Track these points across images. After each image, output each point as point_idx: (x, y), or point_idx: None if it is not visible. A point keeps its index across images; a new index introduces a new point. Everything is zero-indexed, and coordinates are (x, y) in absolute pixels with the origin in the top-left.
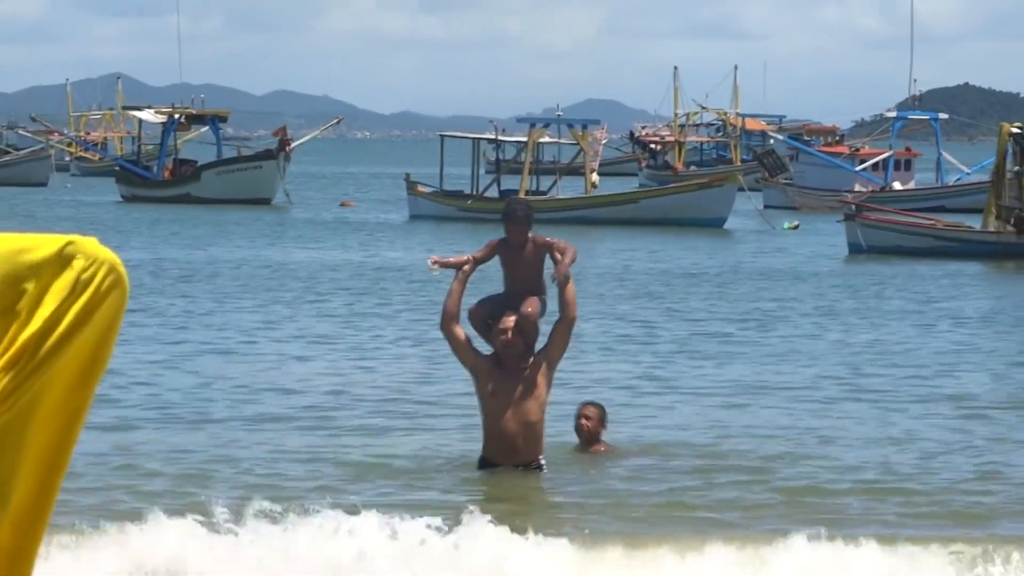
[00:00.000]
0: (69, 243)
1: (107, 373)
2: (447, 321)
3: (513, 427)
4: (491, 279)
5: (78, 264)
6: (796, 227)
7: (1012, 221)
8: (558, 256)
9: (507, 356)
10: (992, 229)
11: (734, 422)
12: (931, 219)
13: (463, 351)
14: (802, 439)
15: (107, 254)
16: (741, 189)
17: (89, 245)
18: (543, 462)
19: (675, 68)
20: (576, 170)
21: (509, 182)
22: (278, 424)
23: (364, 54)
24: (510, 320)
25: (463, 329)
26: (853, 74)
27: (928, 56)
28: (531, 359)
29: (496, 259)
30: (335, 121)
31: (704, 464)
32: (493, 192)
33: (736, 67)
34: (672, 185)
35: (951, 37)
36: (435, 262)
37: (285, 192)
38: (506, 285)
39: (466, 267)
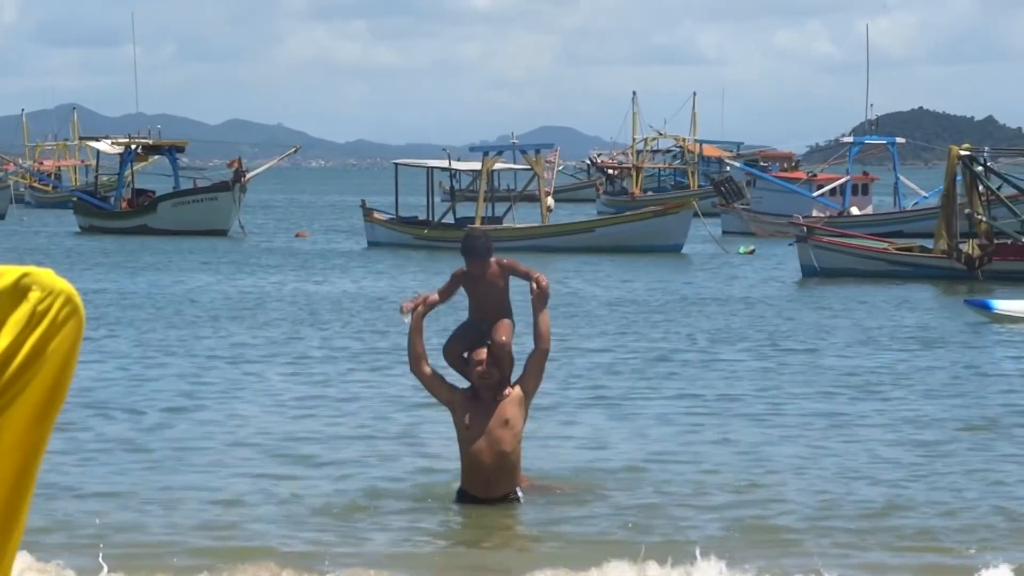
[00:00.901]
0: (25, 275)
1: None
2: (415, 362)
3: (489, 458)
4: (456, 305)
5: (34, 296)
6: (752, 252)
7: (962, 260)
8: (533, 275)
9: (483, 388)
10: (943, 248)
11: (685, 449)
12: (884, 242)
13: (436, 388)
14: (769, 465)
15: (63, 285)
16: (696, 215)
17: (45, 276)
18: (520, 493)
19: (633, 93)
20: (532, 196)
21: (464, 210)
22: (240, 459)
23: (318, 83)
24: (483, 352)
25: (431, 367)
26: (808, 99)
27: (883, 81)
28: (506, 390)
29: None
30: (292, 150)
31: (656, 497)
32: (449, 220)
33: (695, 93)
34: (628, 213)
35: (905, 62)
36: (406, 310)
37: (240, 223)
38: (473, 310)
39: (419, 309)
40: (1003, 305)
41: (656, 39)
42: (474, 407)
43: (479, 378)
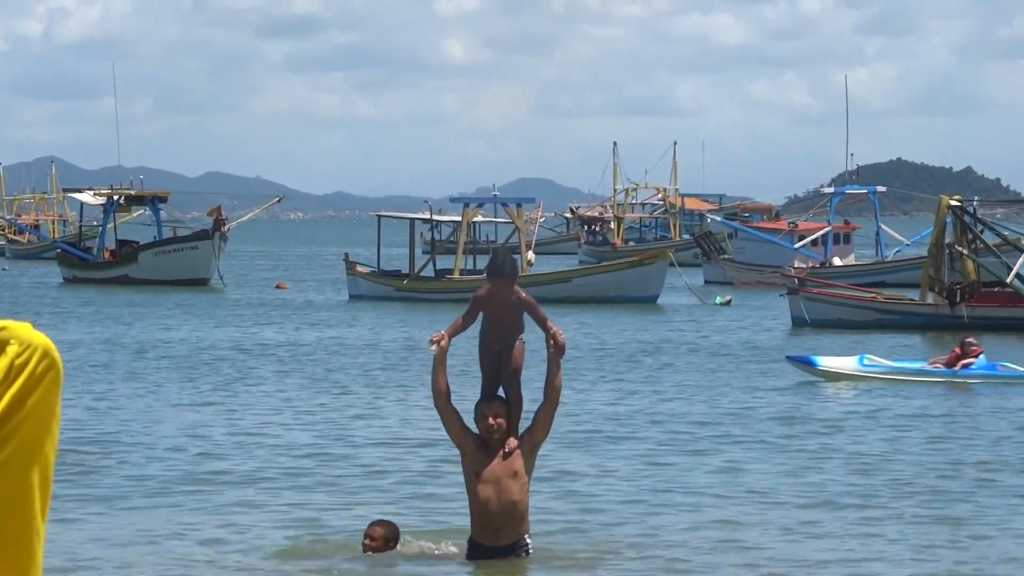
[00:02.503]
0: (1, 328)
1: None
2: (437, 397)
3: (497, 507)
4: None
5: (11, 349)
6: (728, 302)
7: (945, 294)
8: (552, 330)
9: (491, 440)
10: (930, 301)
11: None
12: (872, 292)
13: (453, 427)
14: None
15: (40, 338)
16: (672, 265)
17: (22, 330)
18: (528, 541)
19: (614, 144)
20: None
21: (445, 261)
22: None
23: (295, 134)
24: (492, 407)
25: (452, 405)
26: (786, 150)
27: (861, 132)
28: (514, 442)
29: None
30: (275, 200)
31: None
32: (429, 272)
33: (675, 143)
34: (604, 263)
35: (883, 113)
36: (433, 341)
37: (219, 274)
38: (488, 330)
39: (443, 343)
40: (827, 362)
41: (633, 91)
42: (484, 456)
43: (488, 431)
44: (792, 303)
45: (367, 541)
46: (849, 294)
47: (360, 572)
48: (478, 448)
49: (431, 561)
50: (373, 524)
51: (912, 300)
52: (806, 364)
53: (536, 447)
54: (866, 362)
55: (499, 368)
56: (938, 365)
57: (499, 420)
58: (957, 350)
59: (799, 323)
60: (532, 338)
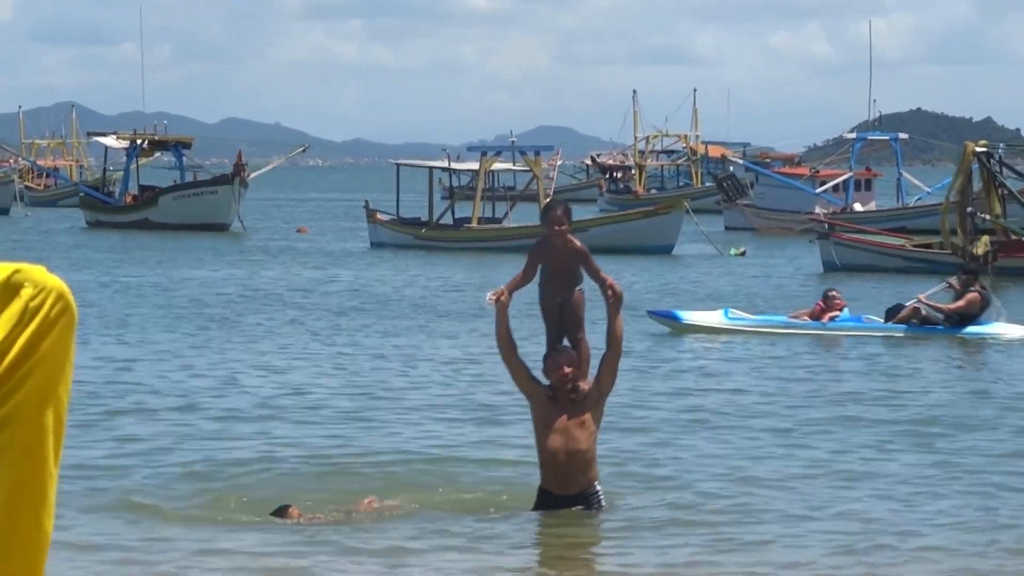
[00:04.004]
0: (16, 271)
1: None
2: (503, 349)
3: (564, 456)
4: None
5: (26, 292)
6: (743, 253)
7: (967, 259)
8: (608, 281)
9: (561, 390)
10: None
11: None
12: (902, 238)
13: (521, 377)
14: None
15: (55, 282)
16: (688, 214)
17: (36, 273)
18: (599, 489)
19: (634, 92)
20: (531, 197)
21: (464, 209)
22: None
23: (315, 82)
24: (563, 357)
25: (519, 357)
26: (806, 100)
27: (880, 82)
28: (582, 390)
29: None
30: (300, 149)
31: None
32: (447, 220)
33: (695, 90)
34: (620, 213)
35: (903, 63)
36: (491, 299)
37: (240, 219)
38: (546, 281)
39: (503, 298)
40: (690, 317)
41: (653, 40)
42: (552, 406)
43: (559, 382)
44: (823, 248)
45: (559, 373)
46: (879, 240)
47: (419, 522)
48: (547, 399)
49: (488, 514)
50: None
51: (940, 247)
52: (670, 319)
53: (603, 396)
54: (731, 315)
55: (562, 319)
56: (803, 318)
57: (570, 369)
58: (821, 303)
59: (830, 267)
60: (588, 288)
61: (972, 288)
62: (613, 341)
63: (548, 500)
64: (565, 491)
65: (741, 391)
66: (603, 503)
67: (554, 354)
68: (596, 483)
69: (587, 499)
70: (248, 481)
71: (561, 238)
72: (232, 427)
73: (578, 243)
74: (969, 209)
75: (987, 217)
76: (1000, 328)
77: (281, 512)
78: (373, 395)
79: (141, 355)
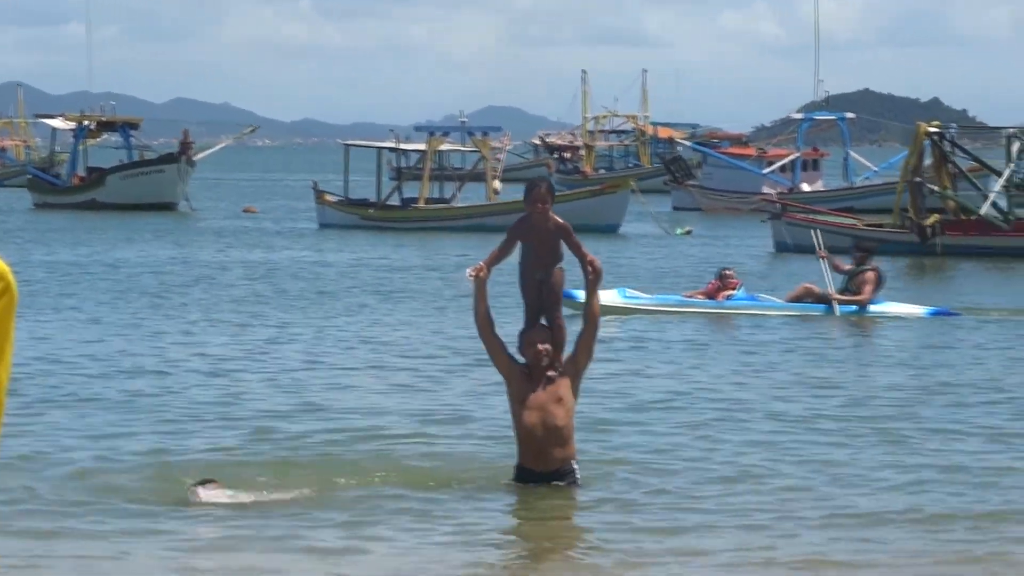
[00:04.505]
0: None
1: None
2: (481, 326)
3: (542, 432)
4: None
5: None
6: (689, 233)
7: (916, 231)
8: (588, 257)
9: (537, 367)
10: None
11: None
12: (853, 218)
13: (498, 357)
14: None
15: None
16: (635, 193)
17: None
18: (575, 467)
19: (583, 72)
20: (479, 177)
21: (412, 190)
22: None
23: (264, 62)
24: (539, 334)
25: (497, 334)
26: (754, 81)
27: (829, 63)
28: (559, 368)
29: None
30: (249, 130)
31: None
32: (395, 200)
33: (645, 71)
34: (566, 192)
35: (851, 44)
36: (470, 275)
37: (186, 198)
38: (527, 258)
39: (481, 274)
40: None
41: (602, 20)
42: (529, 383)
43: (535, 358)
44: (775, 228)
45: (534, 350)
46: (830, 220)
47: (399, 498)
48: (523, 376)
49: (470, 491)
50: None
51: (891, 227)
52: (565, 298)
53: (580, 373)
54: (627, 295)
55: (540, 296)
56: (698, 297)
57: (546, 346)
58: (715, 281)
59: (782, 248)
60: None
61: (867, 267)
62: (590, 317)
63: (525, 476)
64: (543, 467)
65: (637, 371)
66: (579, 481)
67: (529, 331)
68: (573, 460)
69: (564, 476)
70: (181, 463)
71: (543, 216)
72: (164, 407)
73: (559, 220)
74: (917, 179)
75: (935, 188)
76: (893, 306)
77: (203, 485)
78: (317, 374)
79: (73, 334)
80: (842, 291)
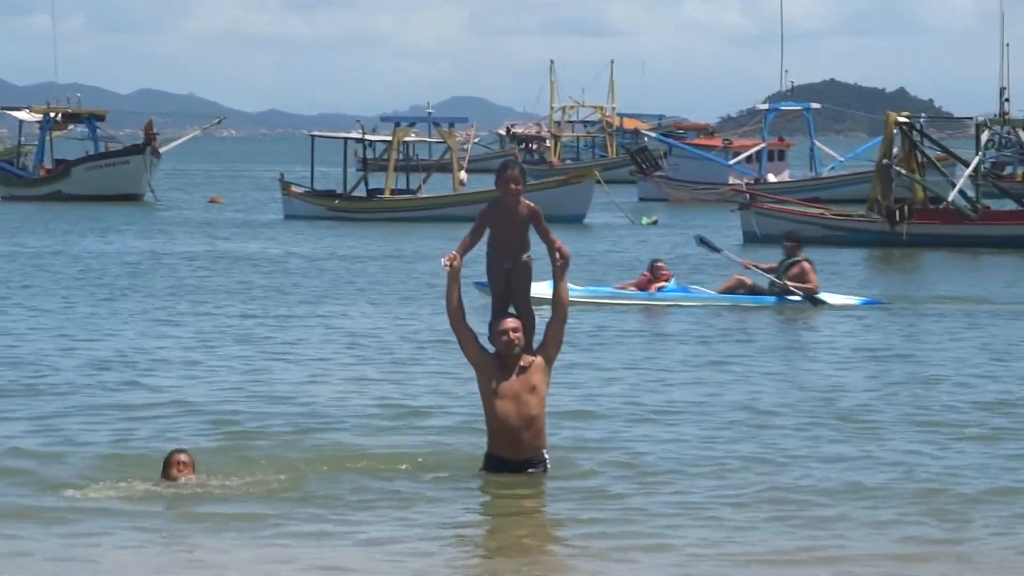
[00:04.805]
0: None
1: None
2: (452, 315)
3: (516, 422)
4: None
5: None
6: (655, 222)
7: (884, 213)
8: (556, 244)
9: (508, 356)
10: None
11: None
12: (821, 208)
13: (469, 347)
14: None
15: None
16: (599, 183)
17: None
18: (546, 455)
19: (551, 62)
20: (447, 168)
21: (378, 181)
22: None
23: (229, 53)
24: (508, 322)
25: (467, 324)
26: (719, 71)
27: (794, 52)
28: (530, 358)
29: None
30: (215, 121)
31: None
32: (361, 191)
33: (612, 62)
34: (532, 182)
35: (816, 33)
36: (445, 262)
37: (151, 189)
38: (495, 244)
39: (455, 263)
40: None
41: (567, 10)
42: (501, 373)
43: (506, 347)
44: (744, 218)
45: (180, 468)
46: (799, 210)
47: (373, 488)
48: (495, 365)
49: (441, 480)
50: (173, 453)
51: (860, 217)
52: (481, 286)
53: (550, 362)
54: None
55: (508, 286)
56: (630, 288)
57: (517, 334)
58: (647, 273)
59: (750, 238)
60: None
61: (798, 258)
62: (559, 305)
63: (497, 465)
64: (516, 456)
65: (574, 364)
66: (548, 470)
67: (499, 320)
68: (544, 450)
69: (536, 465)
70: (137, 454)
71: (515, 198)
72: (125, 397)
73: (531, 203)
74: (885, 161)
75: (902, 171)
76: (825, 297)
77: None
78: (281, 365)
79: (28, 325)
80: (780, 286)
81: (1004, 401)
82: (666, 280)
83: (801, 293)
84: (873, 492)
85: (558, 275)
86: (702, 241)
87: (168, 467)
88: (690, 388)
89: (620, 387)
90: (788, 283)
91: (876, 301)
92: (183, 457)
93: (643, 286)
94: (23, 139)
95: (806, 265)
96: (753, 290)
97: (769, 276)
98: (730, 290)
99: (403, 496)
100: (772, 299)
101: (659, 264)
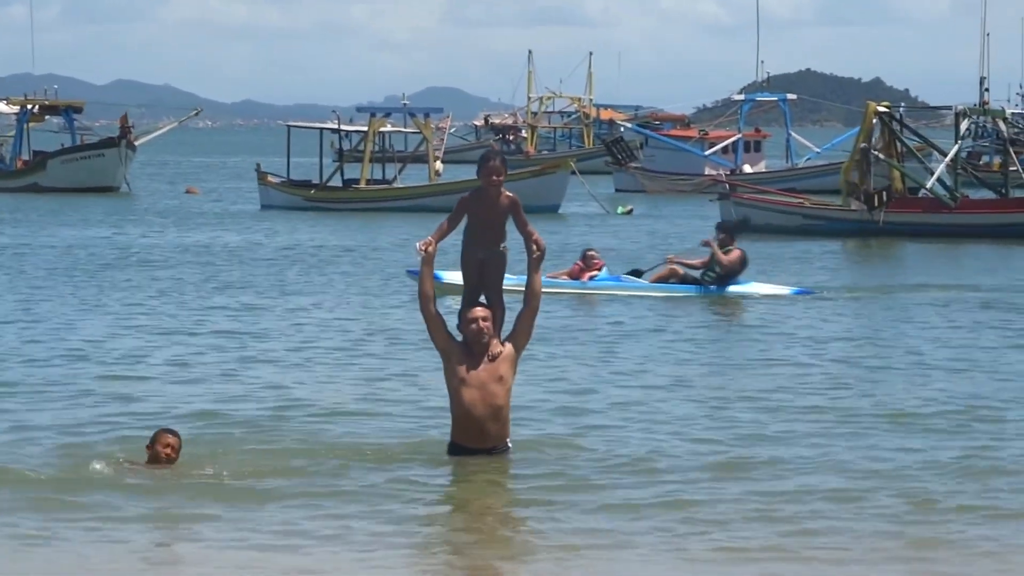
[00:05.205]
0: None
1: None
2: (423, 301)
3: (482, 411)
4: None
5: None
6: (630, 212)
7: (863, 199)
8: (533, 236)
9: (476, 344)
10: (853, 207)
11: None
12: (799, 197)
13: (438, 333)
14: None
15: None
16: (574, 174)
17: None
18: (510, 445)
19: (529, 52)
20: (421, 158)
21: (353, 171)
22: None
23: (204, 43)
24: (478, 311)
25: (437, 310)
26: (695, 61)
27: (770, 42)
28: (498, 348)
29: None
30: (193, 113)
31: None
32: (336, 181)
33: (591, 54)
34: (508, 173)
35: (791, 23)
36: (421, 247)
37: (126, 182)
38: (472, 234)
39: (430, 249)
40: (449, 276)
41: (543, 1)
42: (469, 361)
43: (475, 336)
44: (723, 208)
45: (168, 451)
46: (778, 199)
47: (343, 482)
48: (463, 353)
49: (404, 463)
50: (164, 432)
51: (838, 207)
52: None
53: (519, 352)
54: None
55: (481, 277)
56: (562, 277)
57: (486, 323)
58: (580, 263)
59: None
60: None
61: (731, 247)
62: (531, 296)
63: (459, 453)
64: (479, 445)
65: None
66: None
67: (469, 309)
68: (508, 440)
69: (499, 453)
70: (101, 444)
71: (496, 189)
72: (86, 388)
73: (511, 194)
74: (863, 146)
75: (880, 156)
76: (758, 286)
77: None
78: (250, 352)
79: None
80: (713, 276)
81: (966, 396)
82: (598, 269)
83: (681, 269)
84: (849, 485)
85: (533, 267)
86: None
87: (155, 444)
88: (622, 377)
89: (552, 374)
90: (676, 263)
91: (808, 291)
92: (172, 440)
93: (575, 275)
94: (0, 130)
95: (736, 253)
96: (685, 279)
97: (700, 269)
98: (663, 279)
99: (363, 487)
100: (702, 288)
101: (591, 253)
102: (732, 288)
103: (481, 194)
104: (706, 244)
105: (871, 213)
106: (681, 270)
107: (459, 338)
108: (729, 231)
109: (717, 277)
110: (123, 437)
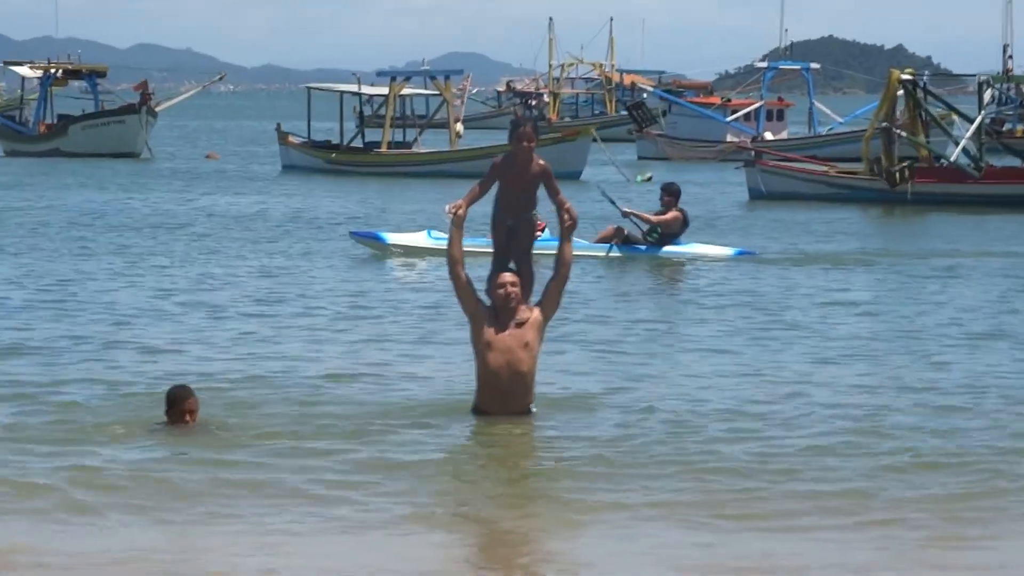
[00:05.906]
0: None
1: None
2: (452, 265)
3: (507, 376)
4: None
5: None
6: (649, 179)
7: (884, 175)
8: (565, 205)
9: (504, 309)
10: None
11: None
12: (825, 165)
13: (466, 297)
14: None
15: None
16: (595, 141)
17: None
18: (534, 410)
19: (550, 19)
20: (441, 123)
21: (374, 134)
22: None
23: (226, 7)
24: (507, 276)
25: (466, 274)
26: (718, 27)
27: (791, 8)
28: (526, 313)
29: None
30: (217, 77)
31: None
32: (358, 144)
33: (612, 19)
34: None
35: None
36: (450, 210)
37: (148, 147)
38: (502, 201)
39: (460, 212)
40: (393, 238)
41: None
42: (496, 326)
43: (503, 300)
44: (749, 175)
45: (502, 291)
46: (804, 167)
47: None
48: (490, 318)
49: (427, 424)
50: (182, 394)
51: (864, 175)
52: (373, 240)
53: (547, 319)
54: (434, 236)
55: (509, 243)
56: None
57: (515, 289)
58: None
59: (756, 195)
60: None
61: (674, 209)
62: (562, 265)
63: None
64: (503, 411)
65: (436, 309)
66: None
67: (497, 274)
68: (532, 406)
69: (524, 418)
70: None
71: (528, 154)
72: (118, 355)
73: (543, 161)
74: (884, 124)
75: (903, 133)
76: (698, 248)
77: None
78: (275, 316)
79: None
80: (656, 237)
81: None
82: (540, 231)
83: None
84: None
85: (564, 236)
86: (604, 194)
87: (179, 408)
88: (564, 342)
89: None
90: (632, 214)
91: (749, 251)
92: (192, 403)
93: None
94: (24, 94)
95: (675, 213)
96: (628, 240)
97: (648, 225)
98: (606, 239)
99: (380, 454)
100: (646, 248)
101: (533, 214)
102: (672, 248)
103: (512, 160)
104: (626, 215)
105: (894, 190)
106: (625, 229)
107: (487, 302)
108: (674, 193)
109: (660, 238)
110: (109, 401)
